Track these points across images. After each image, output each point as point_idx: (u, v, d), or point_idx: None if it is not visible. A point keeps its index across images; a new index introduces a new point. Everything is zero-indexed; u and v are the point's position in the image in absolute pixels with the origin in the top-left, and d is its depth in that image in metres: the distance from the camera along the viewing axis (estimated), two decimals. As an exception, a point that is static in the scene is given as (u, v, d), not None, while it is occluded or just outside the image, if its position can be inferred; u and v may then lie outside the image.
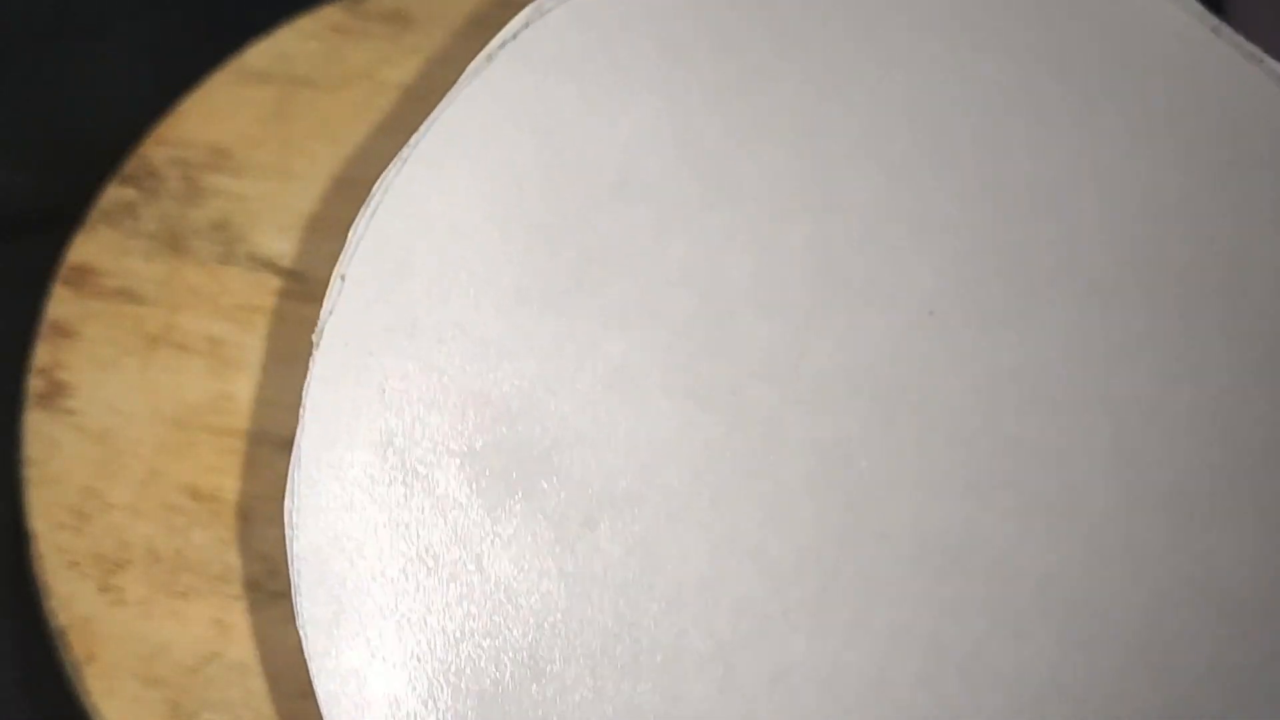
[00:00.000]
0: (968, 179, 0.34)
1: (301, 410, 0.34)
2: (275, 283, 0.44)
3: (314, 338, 0.33)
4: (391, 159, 0.37)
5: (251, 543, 0.40)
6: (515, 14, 0.36)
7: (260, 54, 0.48)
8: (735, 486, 0.33)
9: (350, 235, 0.33)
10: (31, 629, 0.40)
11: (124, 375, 0.42)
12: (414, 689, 0.33)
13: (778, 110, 0.34)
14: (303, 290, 0.44)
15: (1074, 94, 0.33)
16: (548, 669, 0.33)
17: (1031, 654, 0.32)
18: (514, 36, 0.34)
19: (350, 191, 0.45)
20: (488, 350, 0.34)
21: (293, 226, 0.45)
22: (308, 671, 0.34)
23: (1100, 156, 0.33)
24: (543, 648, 0.33)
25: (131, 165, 0.46)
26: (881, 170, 0.34)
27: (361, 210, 0.34)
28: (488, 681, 0.33)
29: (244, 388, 0.42)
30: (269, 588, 0.39)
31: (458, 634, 0.33)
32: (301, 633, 0.33)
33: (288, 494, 0.33)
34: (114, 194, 0.45)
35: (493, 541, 0.33)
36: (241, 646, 0.38)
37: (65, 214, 0.45)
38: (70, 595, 0.39)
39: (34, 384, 0.42)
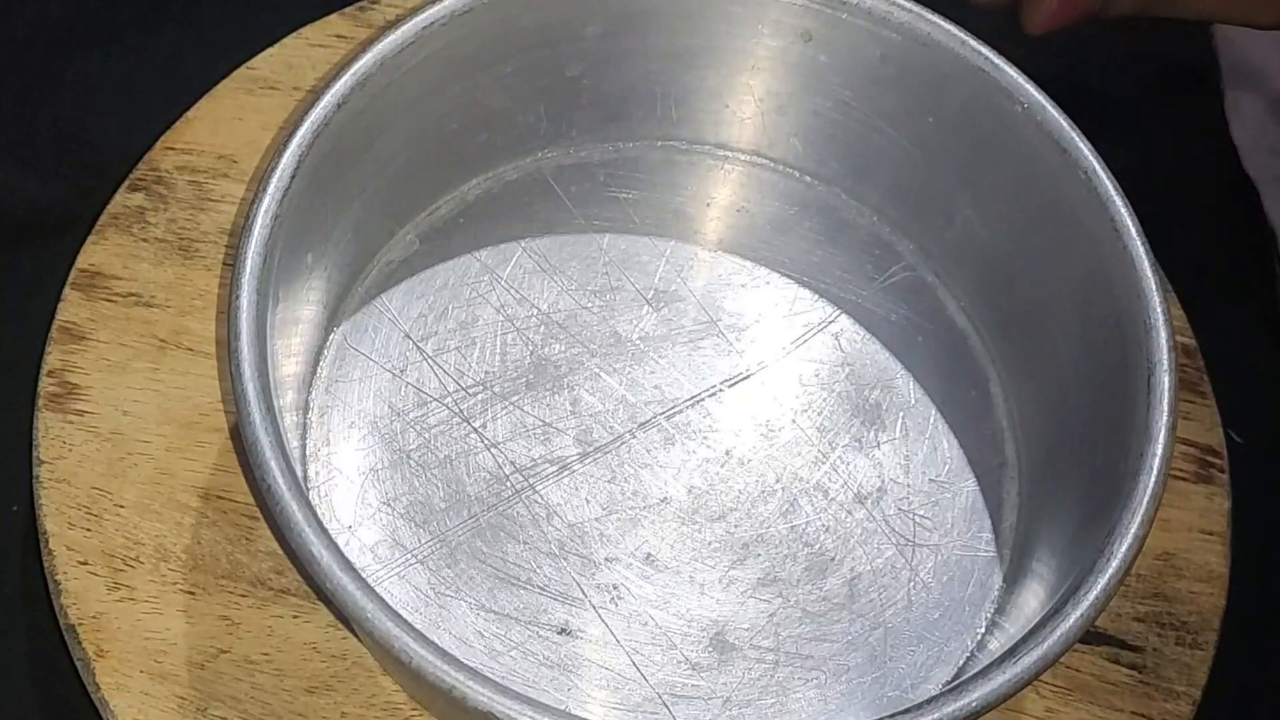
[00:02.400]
0: None
1: None
2: (282, 287, 0.44)
3: None
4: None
5: (258, 541, 0.40)
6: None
7: (267, 63, 0.48)
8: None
9: None
10: (43, 626, 0.40)
11: (134, 377, 0.43)
12: None
13: None
14: (309, 294, 0.44)
15: None
16: None
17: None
18: None
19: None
20: None
21: (299, 232, 0.45)
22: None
23: None
24: None
25: (141, 172, 0.46)
26: None
27: None
28: None
29: (251, 390, 0.43)
30: (275, 585, 0.40)
31: None
32: None
33: None
34: (124, 200, 0.46)
35: None
36: (249, 642, 0.39)
37: (76, 219, 0.46)
38: (81, 592, 0.39)
39: (46, 386, 0.42)
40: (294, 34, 0.49)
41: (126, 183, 0.46)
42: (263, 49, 0.49)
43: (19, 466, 0.42)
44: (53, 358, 0.43)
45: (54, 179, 0.48)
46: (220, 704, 0.38)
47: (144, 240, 0.45)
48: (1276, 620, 0.44)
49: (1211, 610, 0.41)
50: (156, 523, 0.40)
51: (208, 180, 0.46)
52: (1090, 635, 0.41)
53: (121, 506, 0.41)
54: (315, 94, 0.39)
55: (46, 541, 0.40)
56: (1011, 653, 0.34)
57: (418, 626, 0.36)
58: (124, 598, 0.39)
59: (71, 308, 0.44)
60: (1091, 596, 0.34)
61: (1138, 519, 0.35)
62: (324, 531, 0.34)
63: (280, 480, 0.34)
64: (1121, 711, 0.40)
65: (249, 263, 0.37)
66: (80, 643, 0.39)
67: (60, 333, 0.43)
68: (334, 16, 0.50)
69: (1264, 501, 0.44)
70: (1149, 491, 0.36)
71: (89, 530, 0.40)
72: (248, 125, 0.47)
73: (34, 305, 0.44)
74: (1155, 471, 0.36)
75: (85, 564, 0.40)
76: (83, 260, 0.44)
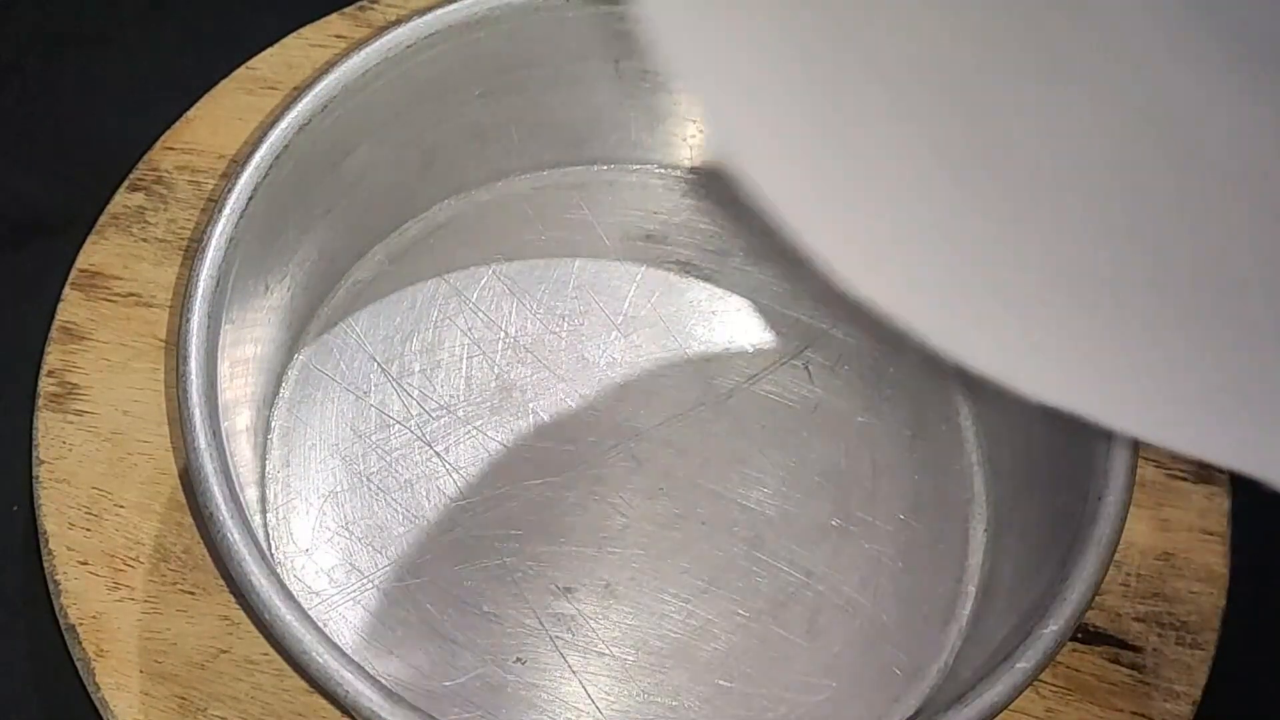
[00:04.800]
0: None
1: None
2: (282, 287, 0.44)
3: None
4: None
5: (258, 541, 0.40)
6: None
7: (267, 62, 0.48)
8: None
9: None
10: (43, 626, 0.40)
11: (134, 377, 0.43)
12: None
13: None
14: (309, 294, 0.44)
15: None
16: None
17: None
18: None
19: (355, 198, 0.46)
20: None
21: (299, 232, 0.45)
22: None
23: None
24: None
25: (141, 172, 0.46)
26: None
27: None
28: None
29: (251, 390, 0.43)
30: (276, 585, 0.40)
31: None
32: None
33: None
34: (124, 200, 0.46)
35: None
36: (249, 642, 0.39)
37: (76, 219, 0.46)
38: (81, 592, 0.39)
39: (46, 386, 0.42)
40: (294, 34, 0.49)
41: (126, 183, 0.46)
42: (263, 49, 0.49)
43: (19, 466, 0.42)
44: (53, 358, 0.43)
45: (54, 179, 0.48)
46: (220, 704, 0.38)
47: (144, 240, 0.45)
48: (1276, 620, 0.44)
49: (1211, 610, 0.41)
50: (157, 523, 0.40)
51: (208, 180, 0.46)
52: (1090, 635, 0.41)
53: (121, 506, 0.41)
54: (275, 116, 0.39)
55: (46, 541, 0.40)
56: (959, 699, 0.33)
57: (369, 652, 0.36)
58: (124, 598, 0.39)
59: (71, 308, 0.44)
60: (1036, 647, 0.34)
61: (1087, 570, 0.35)
62: (265, 562, 0.34)
63: (222, 507, 0.34)
64: (1121, 711, 0.40)
65: (201, 285, 0.36)
66: (80, 643, 0.39)
67: (60, 333, 0.43)
68: (334, 16, 0.50)
69: (1264, 501, 0.44)
70: (1103, 540, 0.35)
71: (89, 530, 0.40)
72: (248, 125, 0.47)
73: (34, 305, 0.44)
74: (1111, 518, 0.35)
75: (85, 564, 0.40)
76: (83, 260, 0.44)
